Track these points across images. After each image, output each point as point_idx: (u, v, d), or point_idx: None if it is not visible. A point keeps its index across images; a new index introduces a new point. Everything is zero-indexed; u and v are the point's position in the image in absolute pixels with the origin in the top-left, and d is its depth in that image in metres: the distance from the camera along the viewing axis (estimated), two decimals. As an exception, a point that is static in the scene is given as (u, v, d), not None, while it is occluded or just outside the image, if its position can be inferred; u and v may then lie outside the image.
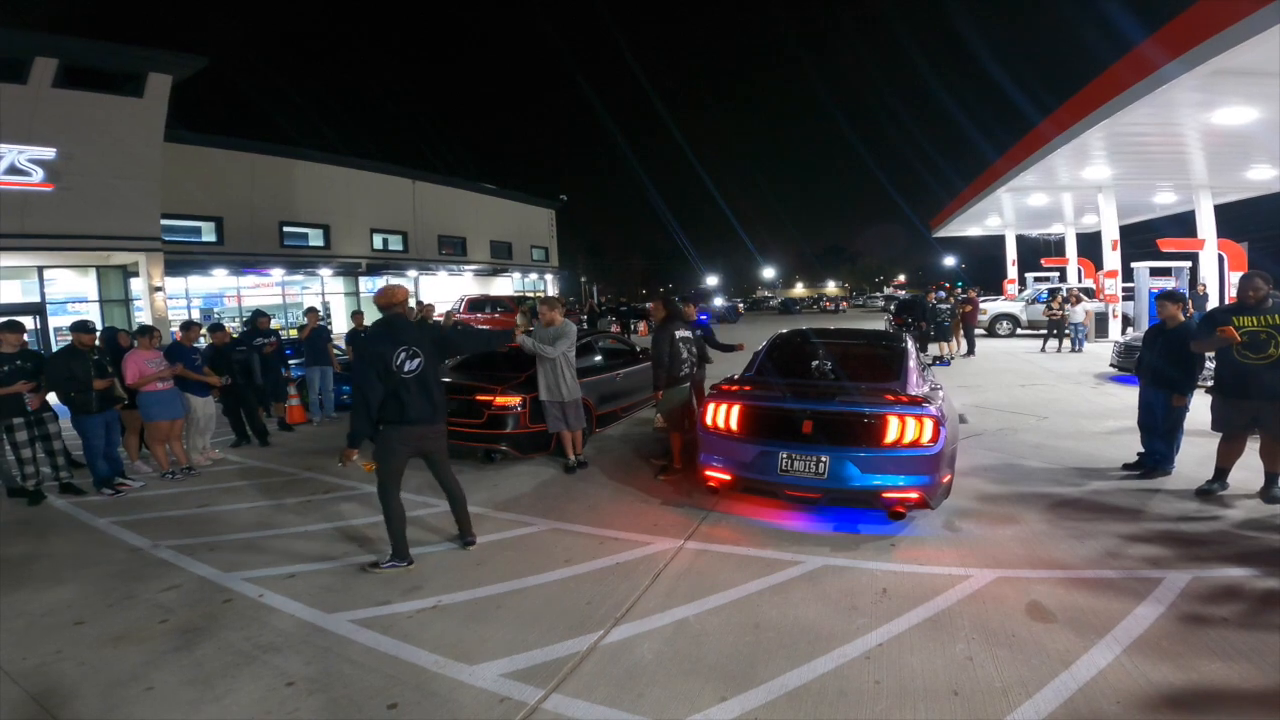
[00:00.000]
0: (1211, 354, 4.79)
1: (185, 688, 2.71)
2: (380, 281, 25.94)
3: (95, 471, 5.68)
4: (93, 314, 15.12)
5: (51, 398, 5.60)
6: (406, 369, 3.82)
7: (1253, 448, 4.67)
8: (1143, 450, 5.39)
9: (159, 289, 14.80)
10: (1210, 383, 4.82)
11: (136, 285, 15.66)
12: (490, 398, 6.05)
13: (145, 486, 5.85)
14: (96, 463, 5.67)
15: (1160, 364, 5.14)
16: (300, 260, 22.89)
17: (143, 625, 3.26)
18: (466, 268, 30.54)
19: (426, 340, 4.00)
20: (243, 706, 2.58)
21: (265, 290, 21.99)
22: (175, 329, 9.22)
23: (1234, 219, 17.84)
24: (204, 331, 9.17)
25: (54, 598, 3.60)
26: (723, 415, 4.57)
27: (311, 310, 9.55)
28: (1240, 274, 4.61)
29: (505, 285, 32.96)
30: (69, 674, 2.83)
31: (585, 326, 14.01)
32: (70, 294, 15.74)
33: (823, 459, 4.12)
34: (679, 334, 5.72)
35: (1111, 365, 10.85)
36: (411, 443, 3.91)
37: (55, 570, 4.01)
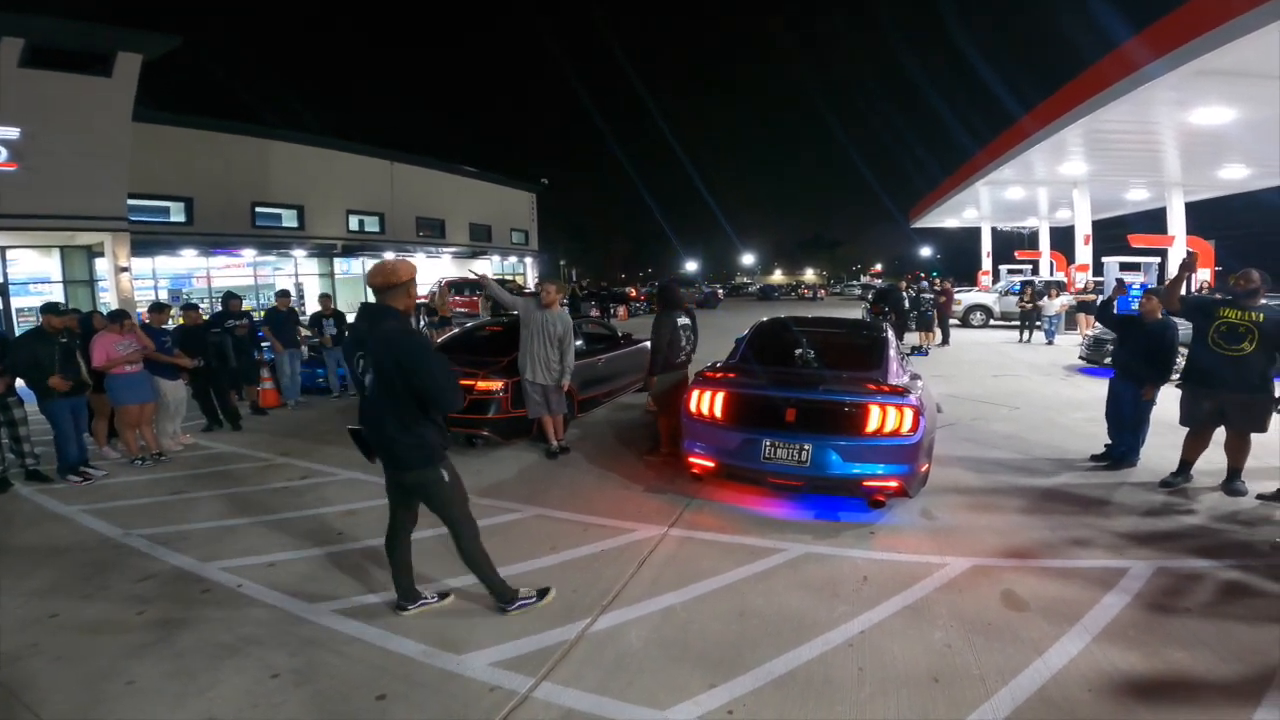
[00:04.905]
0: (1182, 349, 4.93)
1: (168, 681, 2.66)
2: (355, 264, 25.44)
3: (64, 458, 5.51)
4: (56, 294, 14.67)
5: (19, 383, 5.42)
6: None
7: (1217, 442, 4.83)
8: (1110, 442, 5.55)
9: (125, 269, 14.39)
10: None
11: (102, 265, 15.21)
12: (472, 382, 5.98)
13: (113, 474, 5.69)
14: (65, 448, 5.50)
15: (1133, 358, 5.28)
16: (273, 241, 22.33)
17: (119, 617, 3.20)
18: (445, 250, 30.11)
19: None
20: (228, 700, 2.54)
21: (236, 271, 21.42)
22: (141, 310, 8.96)
23: (1203, 217, 18.33)
24: (175, 312, 8.93)
25: (26, 589, 3.50)
26: (707, 402, 4.59)
27: (282, 294, 9.33)
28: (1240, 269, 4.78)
29: (484, 268, 32.55)
30: (48, 669, 2.77)
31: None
32: (33, 274, 15.24)
33: (805, 447, 4.16)
34: (680, 322, 5.83)
35: (1080, 358, 11.13)
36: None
37: (25, 561, 3.90)
